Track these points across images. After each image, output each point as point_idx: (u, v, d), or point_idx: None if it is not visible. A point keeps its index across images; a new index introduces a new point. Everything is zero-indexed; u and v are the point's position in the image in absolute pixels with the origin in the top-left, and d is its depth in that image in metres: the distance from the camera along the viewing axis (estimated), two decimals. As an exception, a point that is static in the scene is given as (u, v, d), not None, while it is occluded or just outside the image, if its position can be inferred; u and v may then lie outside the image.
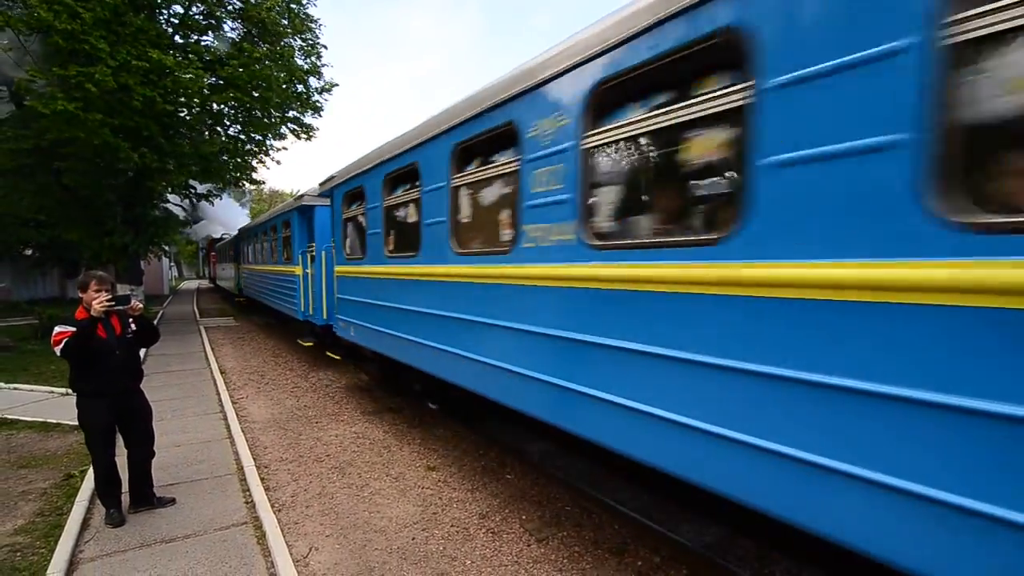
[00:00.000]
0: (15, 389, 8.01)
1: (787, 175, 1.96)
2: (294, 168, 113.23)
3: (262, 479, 4.70)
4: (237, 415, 6.65)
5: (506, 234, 3.78)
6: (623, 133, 2.72)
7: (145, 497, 4.13)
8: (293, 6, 14.75)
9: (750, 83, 2.08)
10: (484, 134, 3.78)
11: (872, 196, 1.71)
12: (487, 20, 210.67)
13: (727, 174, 2.55)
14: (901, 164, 1.63)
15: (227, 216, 33.94)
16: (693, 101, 2.32)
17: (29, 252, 23.80)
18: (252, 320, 17.60)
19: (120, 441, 4.01)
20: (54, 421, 6.36)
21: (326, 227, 8.56)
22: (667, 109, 2.44)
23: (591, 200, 3.01)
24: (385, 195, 5.57)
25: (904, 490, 1.63)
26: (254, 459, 5.13)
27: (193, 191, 17.92)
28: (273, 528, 3.79)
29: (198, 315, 19.21)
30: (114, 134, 10.95)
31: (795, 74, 1.92)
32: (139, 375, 4.15)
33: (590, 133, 2.88)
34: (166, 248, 21.10)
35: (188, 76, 11.54)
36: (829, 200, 1.83)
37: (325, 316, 8.47)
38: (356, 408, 7.14)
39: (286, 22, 14.63)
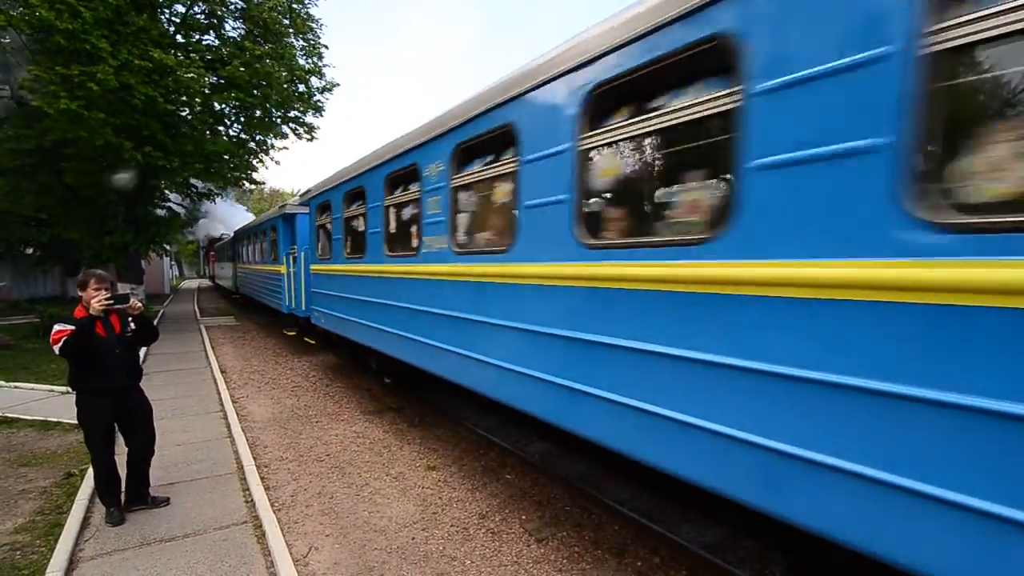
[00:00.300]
0: (15, 387, 8.01)
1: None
2: (296, 168, 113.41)
3: (262, 478, 4.69)
4: (237, 414, 6.65)
5: (415, 243, 5.01)
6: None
7: (140, 497, 4.13)
8: (295, 6, 14.75)
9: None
10: (400, 170, 5.29)
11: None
12: (490, 19, 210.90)
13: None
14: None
15: (229, 215, 34.08)
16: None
17: (30, 251, 23.82)
18: (252, 319, 17.61)
19: (119, 440, 4.01)
20: (54, 420, 6.36)
21: (306, 232, 9.84)
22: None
23: (457, 220, 4.37)
24: (345, 208, 7.00)
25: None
26: (254, 458, 5.13)
27: (194, 189, 17.93)
28: (273, 527, 3.79)
29: (199, 314, 19.22)
30: (116, 133, 10.96)
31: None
32: (139, 373, 4.15)
33: (457, 176, 4.26)
34: (167, 247, 21.10)
35: (189, 76, 11.55)
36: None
37: (304, 308, 9.67)
38: (356, 408, 7.14)
39: (287, 22, 14.63)
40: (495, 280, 3.71)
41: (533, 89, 3.29)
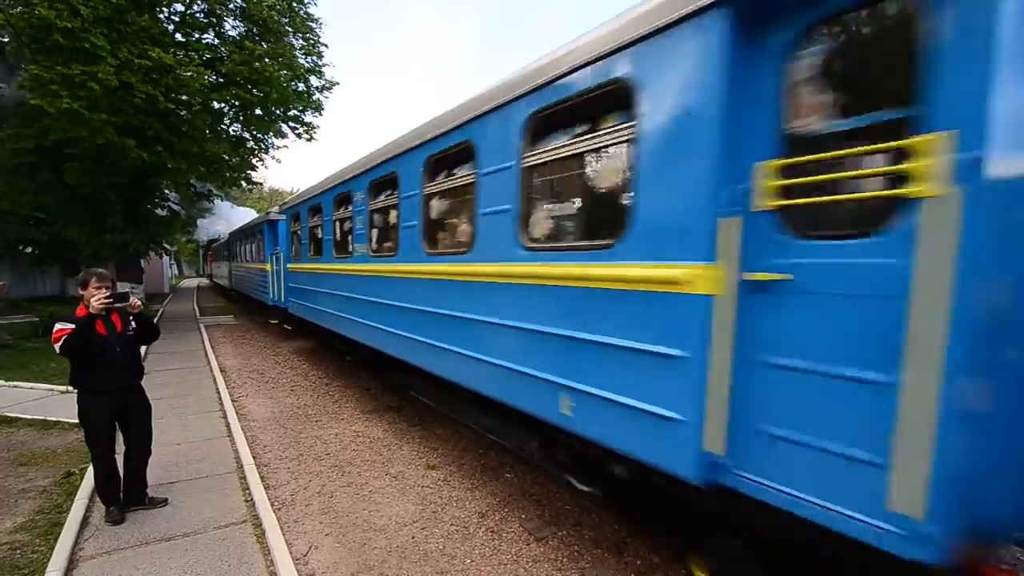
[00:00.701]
0: (15, 387, 8.01)
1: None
2: (298, 167, 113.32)
3: (262, 477, 4.70)
4: (237, 413, 6.65)
5: (349, 248, 6.97)
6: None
7: (139, 497, 4.12)
8: (295, 5, 14.74)
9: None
10: (341, 195, 7.24)
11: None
12: (491, 16, 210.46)
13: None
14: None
15: (232, 214, 34.17)
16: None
17: (29, 250, 23.80)
18: (252, 319, 17.60)
19: (118, 439, 4.01)
20: (54, 419, 6.35)
21: (285, 236, 11.69)
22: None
23: (371, 232, 6.33)
24: (309, 218, 9.09)
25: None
26: (254, 457, 5.13)
27: (193, 189, 17.91)
28: (273, 526, 3.79)
29: (198, 313, 19.20)
30: (118, 132, 10.95)
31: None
32: (140, 372, 4.14)
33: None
34: (167, 247, 21.07)
35: (188, 74, 11.53)
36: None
37: (283, 300, 11.31)
38: (355, 407, 7.14)
39: (286, 21, 14.62)
40: (394, 275, 5.43)
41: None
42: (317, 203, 8.43)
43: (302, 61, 15.39)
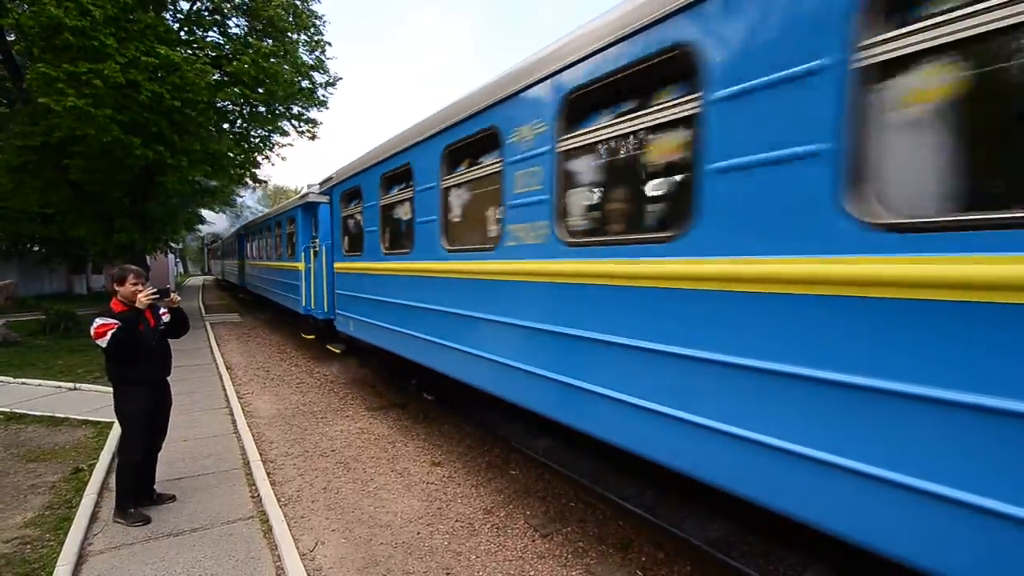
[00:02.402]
0: (23, 383, 8.07)
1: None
2: (300, 165, 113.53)
3: (268, 474, 4.73)
4: (243, 410, 6.69)
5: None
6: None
7: (147, 494, 4.14)
8: (298, 2, 14.75)
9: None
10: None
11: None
12: (493, 9, 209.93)
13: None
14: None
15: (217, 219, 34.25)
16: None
17: (36, 248, 23.96)
18: (257, 316, 17.67)
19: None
20: (62, 415, 6.40)
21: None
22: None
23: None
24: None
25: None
26: (260, 454, 5.16)
27: (198, 186, 17.97)
28: (279, 522, 3.81)
29: (204, 311, 19.30)
30: (123, 131, 11.00)
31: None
32: (170, 366, 4.24)
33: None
34: (172, 244, 21.17)
35: (193, 72, 11.57)
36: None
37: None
38: (361, 404, 7.17)
39: (291, 18, 14.64)
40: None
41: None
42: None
43: (306, 58, 15.42)
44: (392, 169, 5.55)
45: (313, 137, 17.02)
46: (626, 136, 2.81)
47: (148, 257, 18.20)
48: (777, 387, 2.00)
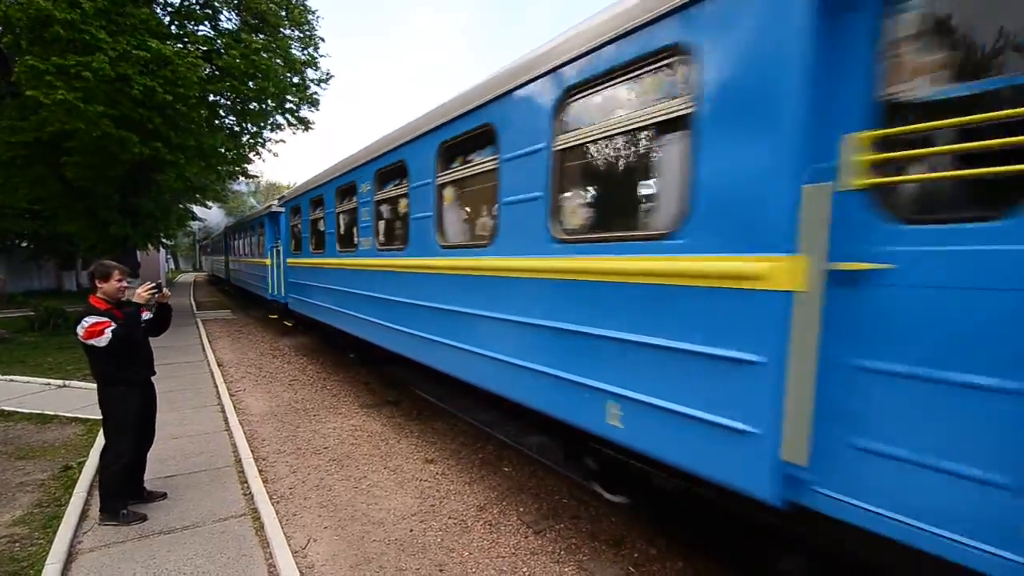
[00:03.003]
0: (11, 381, 7.98)
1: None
2: (295, 160, 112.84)
3: (260, 471, 4.70)
4: (235, 408, 6.65)
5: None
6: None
7: (138, 491, 4.11)
8: (292, -2, 14.65)
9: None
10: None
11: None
12: (486, 10, 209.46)
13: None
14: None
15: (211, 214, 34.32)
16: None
17: (24, 244, 23.68)
18: (250, 314, 17.56)
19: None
20: (51, 412, 6.33)
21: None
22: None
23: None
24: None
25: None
26: (252, 451, 5.14)
27: (189, 183, 17.82)
28: (271, 519, 3.80)
29: (195, 308, 19.15)
30: (116, 126, 10.87)
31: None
32: (153, 365, 4.12)
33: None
34: (164, 241, 20.94)
35: (184, 65, 11.45)
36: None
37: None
38: (354, 401, 7.15)
39: (284, 13, 14.52)
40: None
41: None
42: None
43: (298, 54, 15.30)
44: (312, 195, 8.65)
45: (307, 129, 16.90)
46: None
47: (139, 253, 18.02)
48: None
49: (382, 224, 6.00)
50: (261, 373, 8.87)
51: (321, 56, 16.02)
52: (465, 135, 4.16)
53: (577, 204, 3.53)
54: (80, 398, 6.84)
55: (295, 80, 15.37)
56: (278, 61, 14.10)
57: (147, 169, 13.62)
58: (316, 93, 16.37)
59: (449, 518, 3.99)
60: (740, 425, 2.17)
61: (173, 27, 13.23)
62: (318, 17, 15.66)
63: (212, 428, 5.92)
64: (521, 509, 4.15)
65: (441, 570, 3.34)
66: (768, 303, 2.04)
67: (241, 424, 5.99)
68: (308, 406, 6.91)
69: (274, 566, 3.31)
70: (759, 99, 2.08)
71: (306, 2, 15.22)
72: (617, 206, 3.42)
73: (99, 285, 3.73)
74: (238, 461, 4.94)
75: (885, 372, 1.82)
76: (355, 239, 6.55)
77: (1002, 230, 1.59)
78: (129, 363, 3.79)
